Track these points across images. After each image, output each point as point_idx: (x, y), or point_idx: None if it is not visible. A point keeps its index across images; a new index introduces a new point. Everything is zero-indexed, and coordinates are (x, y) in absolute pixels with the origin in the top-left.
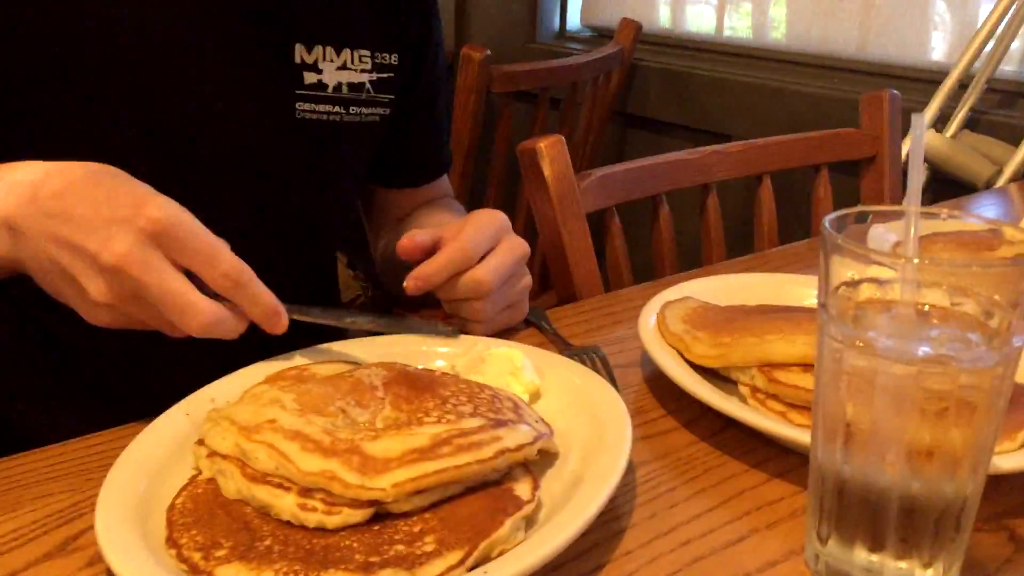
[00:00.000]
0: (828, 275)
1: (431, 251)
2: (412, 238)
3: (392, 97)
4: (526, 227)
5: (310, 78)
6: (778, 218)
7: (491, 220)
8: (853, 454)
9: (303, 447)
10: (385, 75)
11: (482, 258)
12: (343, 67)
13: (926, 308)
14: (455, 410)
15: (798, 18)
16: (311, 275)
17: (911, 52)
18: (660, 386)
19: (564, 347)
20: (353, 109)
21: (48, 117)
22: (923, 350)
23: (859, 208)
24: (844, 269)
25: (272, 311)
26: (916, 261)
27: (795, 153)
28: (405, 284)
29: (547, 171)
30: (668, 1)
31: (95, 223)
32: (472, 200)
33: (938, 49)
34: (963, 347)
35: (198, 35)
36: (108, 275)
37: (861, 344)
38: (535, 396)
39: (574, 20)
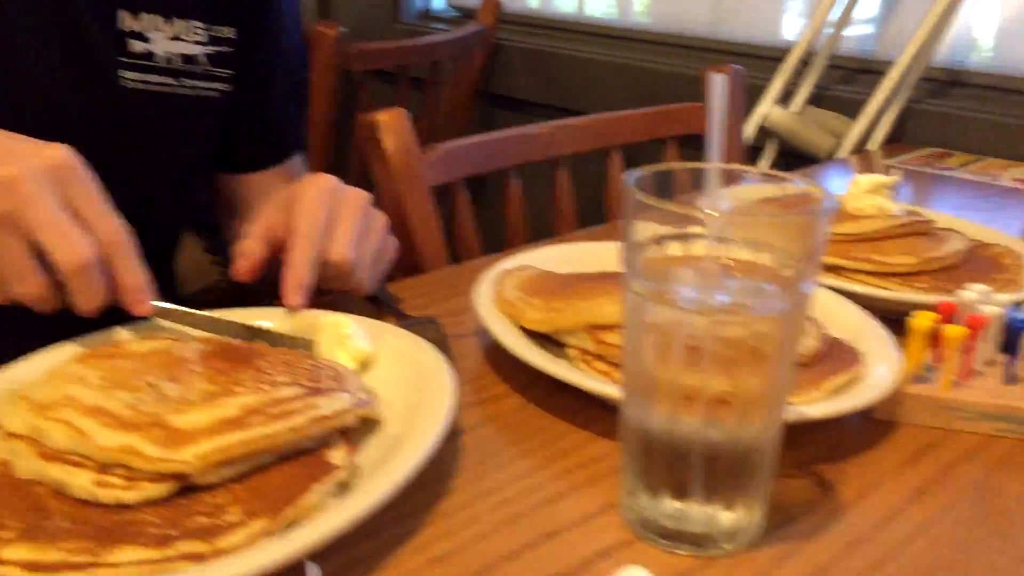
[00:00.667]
0: (630, 231)
1: (273, 252)
2: (246, 257)
3: (232, 72)
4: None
5: (136, 47)
6: None
7: (318, 189)
8: (656, 405)
9: (102, 422)
10: (222, 49)
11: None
12: (175, 38)
13: (726, 262)
14: (271, 380)
15: None
16: (145, 258)
17: (764, 31)
18: (496, 354)
19: (399, 318)
20: (187, 82)
21: None
22: (718, 300)
23: (662, 165)
24: (648, 226)
25: (142, 285)
26: (712, 214)
27: (641, 127)
28: (289, 306)
29: (388, 144)
30: None
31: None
32: None
33: (794, 29)
34: (757, 296)
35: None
36: None
37: (660, 297)
38: (365, 365)
39: (440, 1)
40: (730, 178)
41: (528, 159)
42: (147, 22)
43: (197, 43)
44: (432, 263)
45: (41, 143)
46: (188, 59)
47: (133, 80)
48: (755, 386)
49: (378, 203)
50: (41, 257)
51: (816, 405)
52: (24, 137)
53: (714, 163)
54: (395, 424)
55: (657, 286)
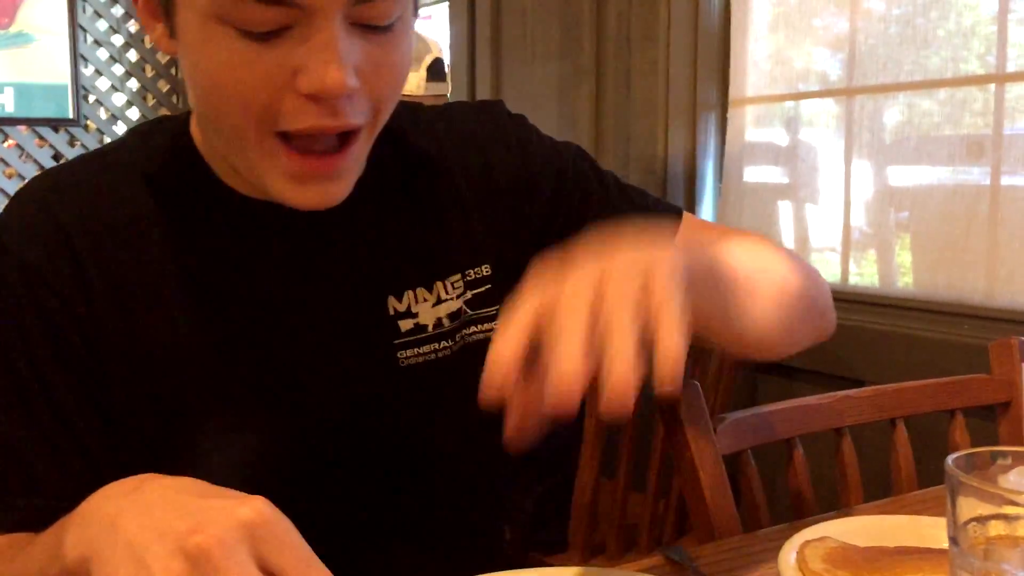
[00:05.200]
0: (955, 512)
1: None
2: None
3: (498, 308)
4: (660, 468)
5: (406, 325)
6: (915, 462)
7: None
8: None
9: None
10: (479, 291)
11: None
12: (438, 302)
13: None
14: None
15: (924, 265)
16: (471, 550)
17: None
18: None
19: None
20: (456, 337)
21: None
22: None
23: (986, 448)
24: (971, 506)
25: None
26: None
27: (927, 398)
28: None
29: (682, 415)
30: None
31: (192, 507)
32: (605, 452)
33: None
34: None
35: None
36: (187, 557)
37: None
38: None
39: None
40: None
41: (812, 429)
42: (411, 298)
43: (458, 296)
44: (725, 530)
45: (236, 498)
46: (453, 315)
47: (408, 357)
48: None
49: (675, 470)
50: None
51: None
52: (219, 490)
53: None
54: None
55: (987, 566)
